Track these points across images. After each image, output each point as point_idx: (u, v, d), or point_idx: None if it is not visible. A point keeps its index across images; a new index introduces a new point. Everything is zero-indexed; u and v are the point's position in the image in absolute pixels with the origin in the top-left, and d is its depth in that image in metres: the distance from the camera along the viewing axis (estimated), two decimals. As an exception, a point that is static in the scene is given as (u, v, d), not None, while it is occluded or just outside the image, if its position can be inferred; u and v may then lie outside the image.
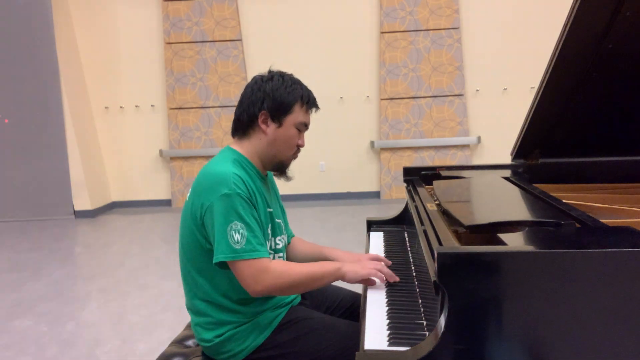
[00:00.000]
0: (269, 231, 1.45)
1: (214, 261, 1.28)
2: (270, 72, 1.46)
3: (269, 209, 1.45)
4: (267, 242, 1.41)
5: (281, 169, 1.49)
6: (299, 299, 1.55)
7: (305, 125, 1.45)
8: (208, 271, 1.37)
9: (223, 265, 1.30)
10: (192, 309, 1.45)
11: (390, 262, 1.53)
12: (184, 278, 1.45)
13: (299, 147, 1.47)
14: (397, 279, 1.42)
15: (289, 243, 1.67)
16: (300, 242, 1.69)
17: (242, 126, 1.44)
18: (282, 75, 1.44)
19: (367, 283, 1.42)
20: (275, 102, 1.39)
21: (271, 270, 1.29)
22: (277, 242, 1.49)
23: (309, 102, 1.44)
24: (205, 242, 1.34)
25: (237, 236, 1.26)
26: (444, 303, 0.95)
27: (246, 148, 1.44)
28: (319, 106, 1.49)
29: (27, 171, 5.91)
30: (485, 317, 0.94)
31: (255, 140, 1.43)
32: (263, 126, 1.41)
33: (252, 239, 1.28)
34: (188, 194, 1.40)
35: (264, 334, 1.38)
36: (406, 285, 1.42)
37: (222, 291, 1.37)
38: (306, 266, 1.34)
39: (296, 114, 1.41)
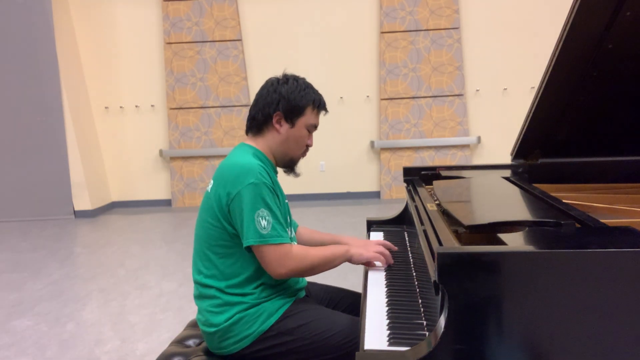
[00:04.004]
0: (288, 219, 1.56)
1: (244, 245, 1.38)
2: (285, 75, 1.56)
3: (285, 200, 1.57)
4: (287, 229, 1.51)
5: (291, 166, 1.60)
6: (303, 293, 1.61)
7: (314, 127, 1.56)
8: (231, 256, 1.45)
9: (249, 249, 1.41)
10: (202, 296, 1.49)
11: (396, 248, 1.65)
12: (198, 264, 1.50)
13: (308, 146, 1.58)
14: (392, 262, 1.56)
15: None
16: (307, 230, 1.80)
17: (257, 124, 1.53)
18: (296, 79, 1.55)
19: (370, 265, 1.56)
20: (289, 104, 1.49)
21: (293, 254, 1.41)
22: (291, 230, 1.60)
23: (320, 105, 1.55)
24: (231, 228, 1.43)
25: (263, 222, 1.37)
26: (444, 303, 0.95)
27: (260, 145, 1.54)
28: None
29: (27, 171, 5.91)
30: (485, 317, 0.94)
31: (268, 138, 1.53)
32: (277, 126, 1.51)
33: (277, 226, 1.39)
34: (209, 186, 1.49)
35: (270, 319, 1.43)
36: (406, 285, 1.42)
37: (244, 275, 1.44)
38: (320, 250, 1.48)
39: (308, 116, 1.52)
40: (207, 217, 1.46)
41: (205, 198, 1.50)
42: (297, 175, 1.63)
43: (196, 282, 1.51)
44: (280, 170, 1.62)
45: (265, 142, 1.53)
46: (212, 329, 1.45)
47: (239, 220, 1.38)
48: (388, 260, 1.54)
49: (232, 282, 1.44)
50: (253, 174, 1.38)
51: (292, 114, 1.50)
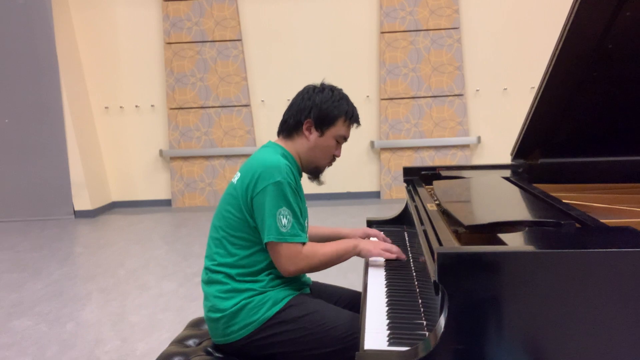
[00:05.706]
0: (306, 223, 1.60)
1: (265, 241, 1.43)
2: (322, 84, 1.60)
3: (305, 204, 1.61)
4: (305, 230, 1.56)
5: (315, 173, 1.65)
6: (308, 290, 1.63)
7: (344, 138, 1.59)
8: (250, 247, 1.49)
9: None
10: (210, 281, 1.52)
11: (390, 241, 1.73)
12: (212, 251, 1.53)
13: (335, 157, 1.62)
14: (404, 256, 1.59)
15: None
16: (311, 227, 1.81)
17: (288, 128, 1.58)
18: (332, 89, 1.58)
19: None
20: (321, 113, 1.53)
21: (303, 253, 1.46)
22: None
23: (352, 117, 1.57)
24: (253, 222, 1.47)
25: (284, 221, 1.42)
26: (444, 303, 0.95)
27: (289, 147, 1.58)
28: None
29: (27, 171, 5.91)
30: (485, 317, 0.94)
31: (297, 143, 1.58)
32: (306, 133, 1.55)
33: (296, 225, 1.44)
34: (235, 177, 1.53)
35: (274, 307, 1.46)
36: (406, 285, 1.42)
37: (259, 265, 1.48)
38: (329, 246, 1.52)
39: (338, 127, 1.55)
40: (230, 207, 1.50)
41: (230, 189, 1.53)
42: (320, 183, 1.68)
43: (207, 268, 1.54)
44: (304, 176, 1.65)
45: (294, 147, 1.57)
46: (218, 315, 1.47)
47: (261, 215, 1.43)
48: (398, 256, 1.57)
49: (245, 270, 1.48)
50: (280, 172, 1.43)
51: (323, 123, 1.53)
